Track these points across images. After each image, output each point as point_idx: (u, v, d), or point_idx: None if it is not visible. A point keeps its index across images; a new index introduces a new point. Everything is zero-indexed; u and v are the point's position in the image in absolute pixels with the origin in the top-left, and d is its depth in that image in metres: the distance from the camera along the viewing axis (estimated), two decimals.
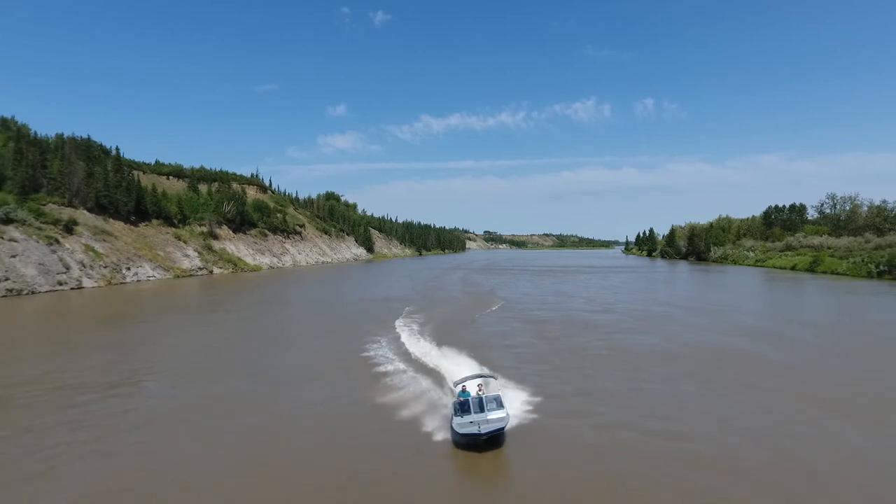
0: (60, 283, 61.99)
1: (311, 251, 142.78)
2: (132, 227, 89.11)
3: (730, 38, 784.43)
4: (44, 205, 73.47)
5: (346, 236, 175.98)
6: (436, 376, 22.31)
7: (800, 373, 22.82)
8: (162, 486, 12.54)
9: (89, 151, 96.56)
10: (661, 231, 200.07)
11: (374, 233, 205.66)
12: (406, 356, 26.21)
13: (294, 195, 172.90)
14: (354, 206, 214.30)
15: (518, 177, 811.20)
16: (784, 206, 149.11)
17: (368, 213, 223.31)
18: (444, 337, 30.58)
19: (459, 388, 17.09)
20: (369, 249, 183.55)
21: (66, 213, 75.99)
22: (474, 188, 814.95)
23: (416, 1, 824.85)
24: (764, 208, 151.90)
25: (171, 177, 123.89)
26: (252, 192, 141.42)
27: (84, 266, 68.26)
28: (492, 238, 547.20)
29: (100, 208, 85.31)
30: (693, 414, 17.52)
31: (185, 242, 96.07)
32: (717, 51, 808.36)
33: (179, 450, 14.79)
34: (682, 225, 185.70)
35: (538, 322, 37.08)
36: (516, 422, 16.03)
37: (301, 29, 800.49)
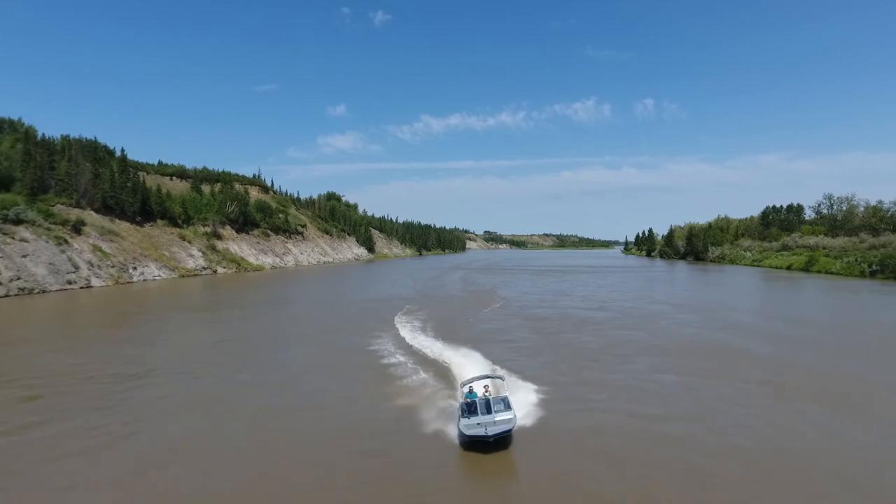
0: (70, 283, 63.46)
1: (312, 251, 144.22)
2: (138, 227, 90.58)
3: (730, 38, 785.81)
4: (52, 206, 74.92)
5: (348, 236, 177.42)
6: (437, 368, 23.76)
7: (778, 365, 24.23)
8: (199, 458, 13.98)
9: (95, 153, 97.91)
10: (661, 231, 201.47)
11: (375, 233, 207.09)
12: (408, 350, 27.64)
13: (296, 195, 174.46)
14: (355, 207, 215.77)
15: (518, 177, 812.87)
16: (782, 207, 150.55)
17: (369, 214, 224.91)
18: (444, 332, 32.01)
19: (466, 388, 17.08)
20: (370, 249, 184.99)
21: (73, 213, 77.46)
22: (474, 188, 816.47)
23: (416, 1, 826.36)
24: (764, 208, 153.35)
25: (174, 177, 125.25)
26: (254, 193, 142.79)
27: (92, 266, 69.73)
28: (492, 238, 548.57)
29: (106, 209, 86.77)
30: (673, 400, 18.97)
31: (189, 242, 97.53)
32: (717, 51, 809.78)
33: (211, 428, 16.23)
34: (682, 225, 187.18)
35: (536, 319, 38.51)
36: (517, 405, 17.31)
37: (301, 29, 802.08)
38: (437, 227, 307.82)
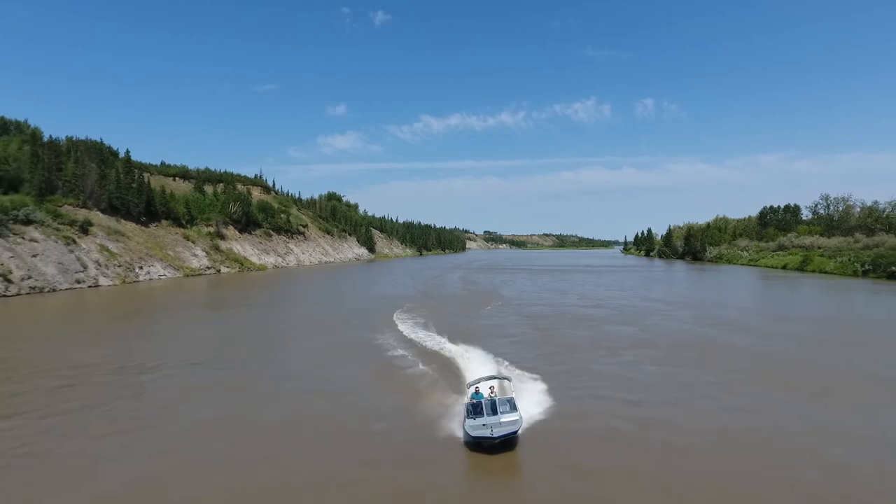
0: (78, 282, 64.95)
1: (314, 251, 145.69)
2: (143, 227, 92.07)
3: (730, 38, 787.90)
4: (60, 206, 76.39)
5: (349, 236, 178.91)
6: (438, 360, 25.28)
7: (758, 357, 25.76)
8: (226, 434, 15.51)
9: (100, 154, 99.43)
10: (660, 231, 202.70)
11: (376, 233, 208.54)
12: (410, 344, 29.16)
13: (297, 196, 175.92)
14: (356, 207, 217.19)
15: (518, 177, 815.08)
16: (779, 207, 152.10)
17: (369, 214, 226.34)
18: (445, 328, 33.50)
19: (472, 389, 17.07)
20: (371, 249, 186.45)
21: (81, 214, 78.95)
22: (474, 188, 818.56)
23: (416, 1, 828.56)
24: (761, 208, 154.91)
25: (177, 178, 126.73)
26: (256, 193, 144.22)
27: (100, 265, 71.22)
28: (492, 238, 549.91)
29: (112, 209, 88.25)
30: (655, 387, 20.55)
31: (193, 242, 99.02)
32: (717, 51, 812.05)
33: (233, 410, 17.74)
34: (681, 225, 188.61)
35: (533, 316, 40.01)
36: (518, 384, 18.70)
37: (301, 29, 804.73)
38: (437, 227, 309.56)
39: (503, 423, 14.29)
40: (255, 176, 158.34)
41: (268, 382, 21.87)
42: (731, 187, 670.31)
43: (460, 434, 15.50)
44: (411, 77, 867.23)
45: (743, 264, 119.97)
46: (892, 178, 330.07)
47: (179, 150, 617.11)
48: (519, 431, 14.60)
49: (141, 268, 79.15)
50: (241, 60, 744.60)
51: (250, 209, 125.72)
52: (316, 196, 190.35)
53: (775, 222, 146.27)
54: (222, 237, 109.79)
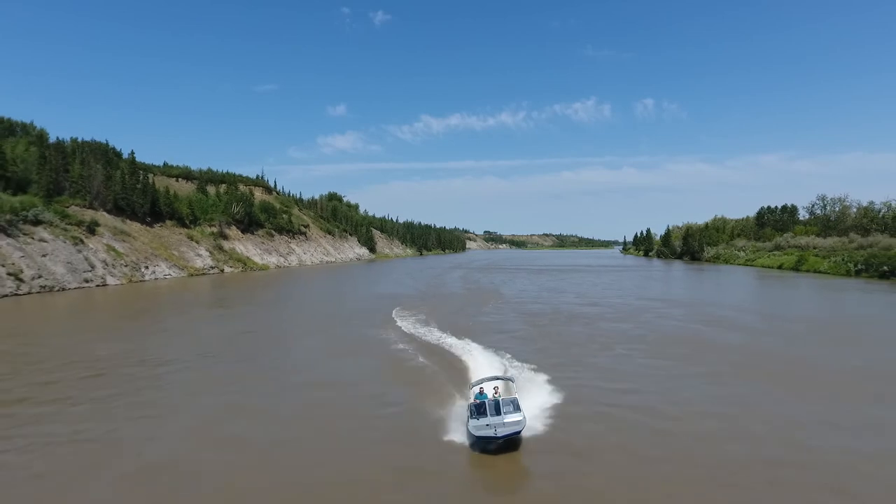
0: (87, 281, 66.34)
1: (315, 251, 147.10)
2: (148, 227, 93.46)
3: (730, 38, 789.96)
4: (67, 207, 77.74)
5: (349, 236, 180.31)
6: (439, 354, 26.64)
7: (743, 351, 27.18)
8: (246, 418, 16.91)
9: (106, 155, 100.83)
10: (660, 231, 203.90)
11: (376, 233, 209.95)
12: (412, 339, 30.55)
13: (298, 196, 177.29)
14: (356, 207, 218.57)
15: (518, 177, 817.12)
16: (776, 207, 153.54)
17: (370, 214, 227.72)
18: (445, 325, 34.88)
19: (476, 389, 17.28)
20: (371, 249, 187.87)
21: (88, 214, 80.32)
22: (474, 188, 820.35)
23: (416, 1, 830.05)
24: (759, 209, 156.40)
25: (179, 178, 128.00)
26: (258, 194, 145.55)
27: (107, 265, 72.63)
28: (492, 238, 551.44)
29: (117, 210, 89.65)
30: (643, 378, 21.99)
31: (196, 242, 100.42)
32: (717, 51, 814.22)
33: (251, 398, 19.14)
34: (680, 225, 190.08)
35: (531, 313, 41.41)
36: (517, 376, 20.11)
37: (301, 29, 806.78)
38: (438, 227, 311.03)
39: (507, 423, 14.37)
40: (257, 176, 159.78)
41: (280, 374, 23.28)
42: (731, 187, 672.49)
43: (460, 417, 16.68)
44: (411, 77, 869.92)
45: (740, 264, 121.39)
46: (891, 178, 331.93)
47: (180, 150, 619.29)
48: (522, 432, 14.72)
49: (147, 267, 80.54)
50: (241, 60, 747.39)
51: (252, 209, 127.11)
52: (317, 196, 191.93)
53: (772, 222, 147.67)
54: (225, 237, 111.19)
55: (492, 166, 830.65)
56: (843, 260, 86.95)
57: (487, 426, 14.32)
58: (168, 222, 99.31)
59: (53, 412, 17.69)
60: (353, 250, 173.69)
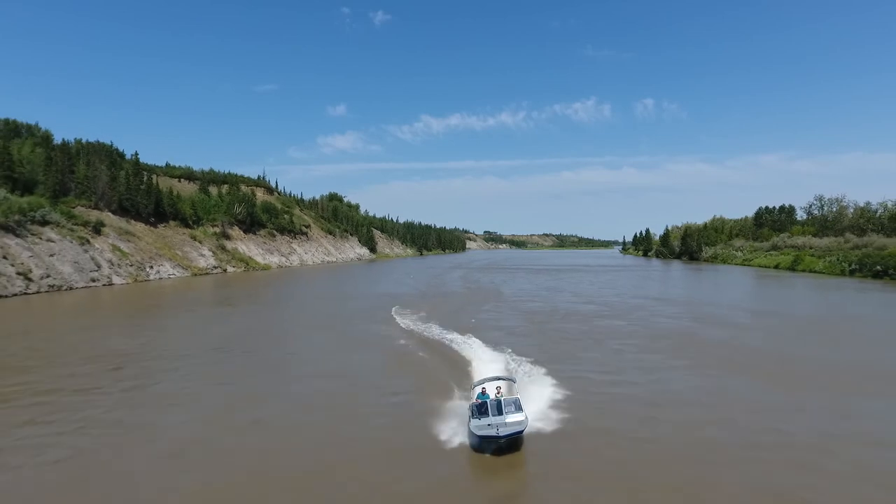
0: (93, 280, 67.59)
1: (316, 251, 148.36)
2: (152, 227, 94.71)
3: (730, 38, 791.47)
4: (73, 207, 79.02)
5: (350, 236, 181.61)
6: (440, 348, 27.90)
7: (727, 346, 28.56)
8: (266, 402, 18.20)
9: (111, 156, 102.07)
10: (659, 231, 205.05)
11: (377, 233, 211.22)
12: (414, 334, 31.83)
13: (299, 196, 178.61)
14: (357, 207, 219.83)
15: (518, 177, 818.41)
16: (774, 208, 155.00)
17: (370, 214, 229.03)
18: (447, 322, 36.11)
19: (478, 389, 17.31)
20: (372, 249, 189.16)
21: (93, 214, 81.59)
22: (474, 188, 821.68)
23: (416, 1, 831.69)
24: (757, 209, 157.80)
25: (182, 179, 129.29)
26: (260, 194, 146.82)
27: (113, 264, 73.88)
28: (492, 238, 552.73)
29: (122, 210, 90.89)
30: (631, 370, 23.36)
31: (200, 242, 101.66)
32: (717, 51, 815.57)
33: (269, 385, 20.42)
34: (679, 225, 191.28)
35: (529, 311, 42.70)
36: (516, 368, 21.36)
37: (301, 29, 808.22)
38: (438, 227, 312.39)
39: (509, 423, 14.36)
40: (259, 177, 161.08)
41: (289, 366, 24.67)
42: (731, 187, 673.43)
43: (460, 406, 17.84)
44: (411, 77, 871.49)
45: (737, 264, 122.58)
46: (891, 177, 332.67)
47: (180, 150, 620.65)
48: (524, 432, 14.77)
49: (151, 267, 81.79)
50: (241, 60, 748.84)
51: (254, 210, 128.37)
52: (317, 197, 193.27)
53: (770, 223, 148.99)
54: (228, 237, 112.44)
55: (492, 166, 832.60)
56: (837, 260, 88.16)
57: (489, 426, 14.27)
58: (171, 223, 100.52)
59: (86, 400, 19.03)
60: (354, 250, 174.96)
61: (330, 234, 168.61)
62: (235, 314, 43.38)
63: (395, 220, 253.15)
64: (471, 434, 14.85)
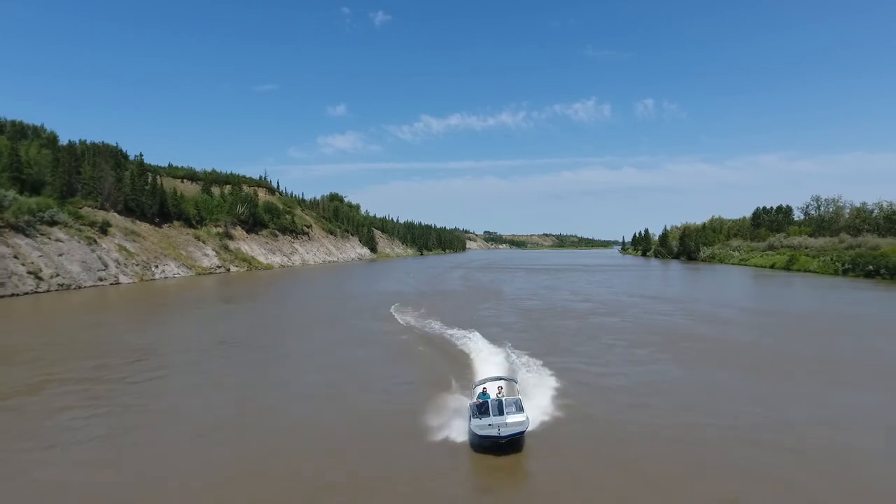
0: (101, 279, 69.03)
1: (318, 251, 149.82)
2: (156, 228, 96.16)
3: (730, 38, 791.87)
4: (80, 208, 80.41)
5: (351, 236, 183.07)
6: (441, 344, 29.38)
7: (712, 340, 30.08)
8: (285, 388, 19.65)
9: (115, 157, 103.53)
10: (659, 231, 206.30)
11: (377, 233, 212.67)
12: (417, 330, 33.26)
13: (300, 196, 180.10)
14: (357, 207, 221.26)
15: (518, 177, 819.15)
16: (772, 208, 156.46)
17: (370, 214, 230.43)
18: (447, 319, 37.55)
19: (479, 389, 17.38)
20: (373, 249, 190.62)
21: (100, 215, 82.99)
22: (474, 188, 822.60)
23: (416, 1, 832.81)
24: (755, 209, 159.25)
25: (184, 180, 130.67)
26: (261, 194, 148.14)
27: (119, 264, 75.33)
28: (492, 238, 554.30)
29: (127, 210, 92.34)
30: (619, 362, 24.88)
31: (203, 242, 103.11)
32: (717, 51, 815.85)
33: (287, 375, 21.87)
34: (678, 225, 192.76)
35: (526, 308, 44.19)
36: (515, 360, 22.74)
37: (301, 29, 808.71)
38: (438, 227, 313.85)
39: (510, 423, 14.40)
40: (260, 177, 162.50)
41: (300, 358, 26.22)
42: (731, 187, 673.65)
43: (459, 398, 19.00)
44: (411, 77, 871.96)
45: (734, 263, 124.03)
46: (891, 178, 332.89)
47: (180, 149, 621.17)
48: (526, 432, 14.80)
49: (157, 266, 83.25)
50: (241, 60, 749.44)
51: (257, 210, 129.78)
52: (318, 197, 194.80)
53: (768, 223, 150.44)
54: (231, 237, 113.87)
55: (492, 166, 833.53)
56: (831, 259, 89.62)
57: (490, 426, 14.33)
58: (175, 223, 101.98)
59: (115, 389, 20.56)
60: (355, 250, 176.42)
61: (331, 234, 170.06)
62: (243, 312, 44.81)
63: (395, 220, 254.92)
64: (471, 433, 14.95)
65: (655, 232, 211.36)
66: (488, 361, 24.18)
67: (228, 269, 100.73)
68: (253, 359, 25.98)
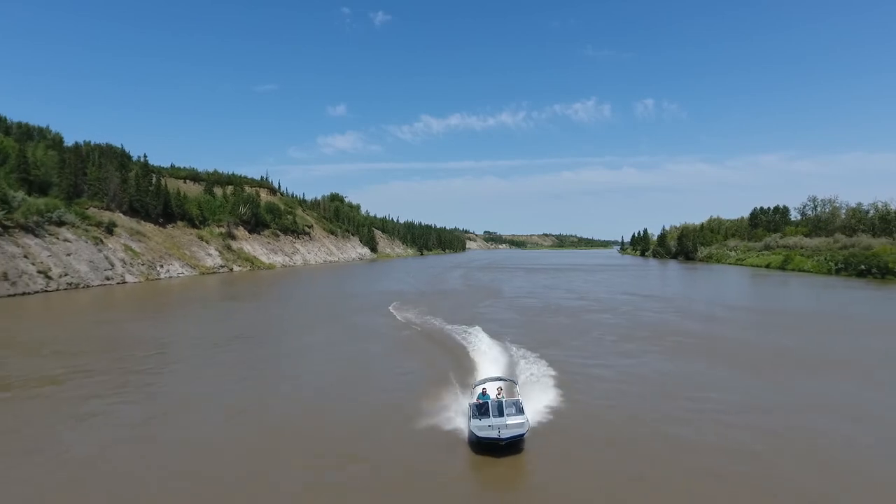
0: (108, 279, 70.48)
1: (319, 251, 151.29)
2: (161, 228, 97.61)
3: (730, 38, 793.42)
4: (87, 208, 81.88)
5: (351, 236, 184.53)
6: (442, 338, 30.85)
7: (698, 335, 31.62)
8: (294, 383, 21.10)
9: (119, 158, 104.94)
10: (658, 231, 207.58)
11: (377, 233, 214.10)
12: (419, 326, 34.73)
13: (301, 197, 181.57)
14: (358, 208, 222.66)
15: (518, 177, 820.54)
16: (769, 208, 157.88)
17: (370, 214, 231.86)
18: (448, 315, 39.06)
19: (479, 389, 17.36)
20: (373, 249, 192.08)
21: (105, 215, 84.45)
22: (474, 188, 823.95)
23: (416, 1, 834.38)
24: (752, 209, 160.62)
25: (187, 180, 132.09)
26: (263, 195, 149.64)
27: (125, 263, 76.78)
28: (492, 238, 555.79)
29: (132, 211, 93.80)
30: (608, 354, 26.43)
31: (207, 242, 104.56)
32: (717, 51, 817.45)
33: (294, 365, 23.28)
34: (677, 225, 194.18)
35: (523, 306, 45.72)
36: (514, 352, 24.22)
37: (301, 29, 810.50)
38: (438, 227, 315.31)
39: (510, 425, 14.32)
40: (262, 178, 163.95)
41: (309, 351, 27.69)
42: (731, 187, 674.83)
43: (459, 390, 20.37)
44: (411, 77, 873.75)
45: (730, 263, 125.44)
46: (891, 178, 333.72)
47: (180, 149, 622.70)
48: (526, 434, 14.75)
49: (161, 266, 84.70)
50: (241, 60, 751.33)
51: (259, 210, 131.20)
52: (319, 197, 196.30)
53: (765, 223, 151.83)
54: (233, 237, 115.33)
55: (492, 166, 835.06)
56: (825, 259, 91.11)
57: (490, 427, 14.26)
58: (179, 223, 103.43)
59: (140, 378, 22.11)
60: (356, 250, 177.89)
61: (332, 234, 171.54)
62: (248, 309, 46.27)
63: (395, 220, 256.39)
64: (471, 434, 14.94)
65: (655, 232, 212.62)
66: (487, 354, 25.62)
67: (231, 269, 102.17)
68: (263, 353, 27.45)
